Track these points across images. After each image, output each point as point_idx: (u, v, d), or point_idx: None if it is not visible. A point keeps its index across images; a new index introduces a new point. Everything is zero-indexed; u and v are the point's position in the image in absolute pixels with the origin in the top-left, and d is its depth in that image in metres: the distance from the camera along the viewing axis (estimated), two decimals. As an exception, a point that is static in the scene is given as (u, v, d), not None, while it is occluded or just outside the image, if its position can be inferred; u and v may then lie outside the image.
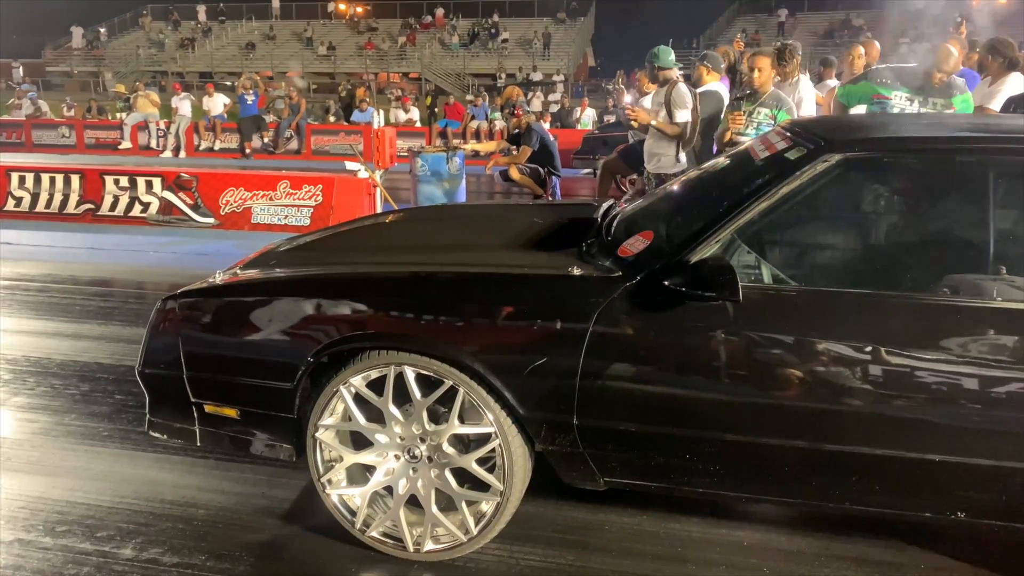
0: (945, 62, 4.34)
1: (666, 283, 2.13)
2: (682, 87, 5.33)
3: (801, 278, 2.31)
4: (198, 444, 2.65)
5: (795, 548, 2.58)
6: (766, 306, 2.17)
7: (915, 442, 2.08)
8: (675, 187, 3.04)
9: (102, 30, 42.28)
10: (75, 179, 8.34)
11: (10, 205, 8.40)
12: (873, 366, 2.07)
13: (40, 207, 8.35)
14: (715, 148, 5.60)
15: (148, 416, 2.70)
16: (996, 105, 4.59)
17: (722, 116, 5.07)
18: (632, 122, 5.73)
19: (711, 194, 2.65)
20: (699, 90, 5.76)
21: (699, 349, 2.18)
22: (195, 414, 2.59)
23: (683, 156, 5.39)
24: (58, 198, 8.34)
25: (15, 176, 8.45)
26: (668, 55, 5.50)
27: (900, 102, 4.47)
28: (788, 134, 2.55)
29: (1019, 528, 2.20)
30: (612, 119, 14.97)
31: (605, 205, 3.20)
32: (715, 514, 2.74)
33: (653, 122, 5.42)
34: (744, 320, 2.14)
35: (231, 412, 2.56)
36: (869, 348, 2.06)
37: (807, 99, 5.61)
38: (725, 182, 2.72)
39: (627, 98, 7.42)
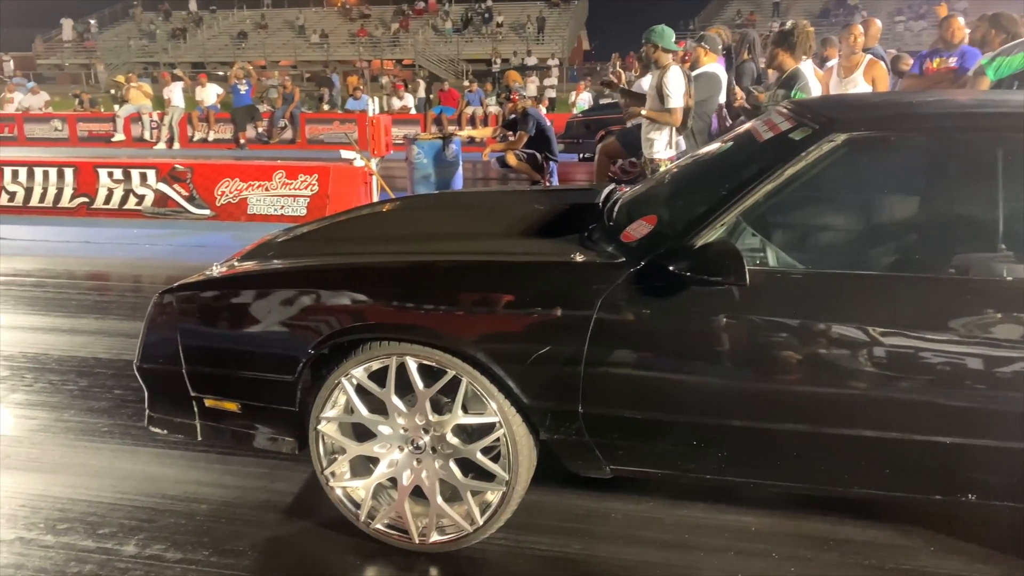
0: None
1: (671, 268, 2.10)
2: (674, 72, 5.18)
3: (808, 261, 2.27)
4: (199, 439, 2.62)
5: (803, 532, 2.56)
6: (772, 290, 2.14)
7: (925, 424, 2.06)
8: (678, 170, 3.00)
9: (92, 22, 42.12)
10: (69, 172, 8.28)
11: (4, 200, 8.34)
12: (881, 349, 2.04)
13: (34, 201, 8.29)
14: (714, 127, 5.56)
15: (147, 411, 2.67)
16: (998, 82, 4.54)
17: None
18: (628, 119, 5.76)
19: (715, 177, 2.61)
20: (697, 71, 5.70)
21: (705, 334, 2.15)
22: (195, 408, 2.56)
23: (681, 141, 5.33)
24: (52, 192, 8.28)
25: (8, 170, 8.39)
26: (671, 37, 5.26)
27: None
28: (792, 114, 2.51)
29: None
30: (608, 100, 14.82)
31: (606, 190, 3.16)
32: (722, 500, 2.72)
33: (644, 112, 5.45)
34: (750, 304, 2.11)
35: (232, 406, 2.53)
36: (877, 331, 2.03)
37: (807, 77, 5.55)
38: (728, 165, 2.68)
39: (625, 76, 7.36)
